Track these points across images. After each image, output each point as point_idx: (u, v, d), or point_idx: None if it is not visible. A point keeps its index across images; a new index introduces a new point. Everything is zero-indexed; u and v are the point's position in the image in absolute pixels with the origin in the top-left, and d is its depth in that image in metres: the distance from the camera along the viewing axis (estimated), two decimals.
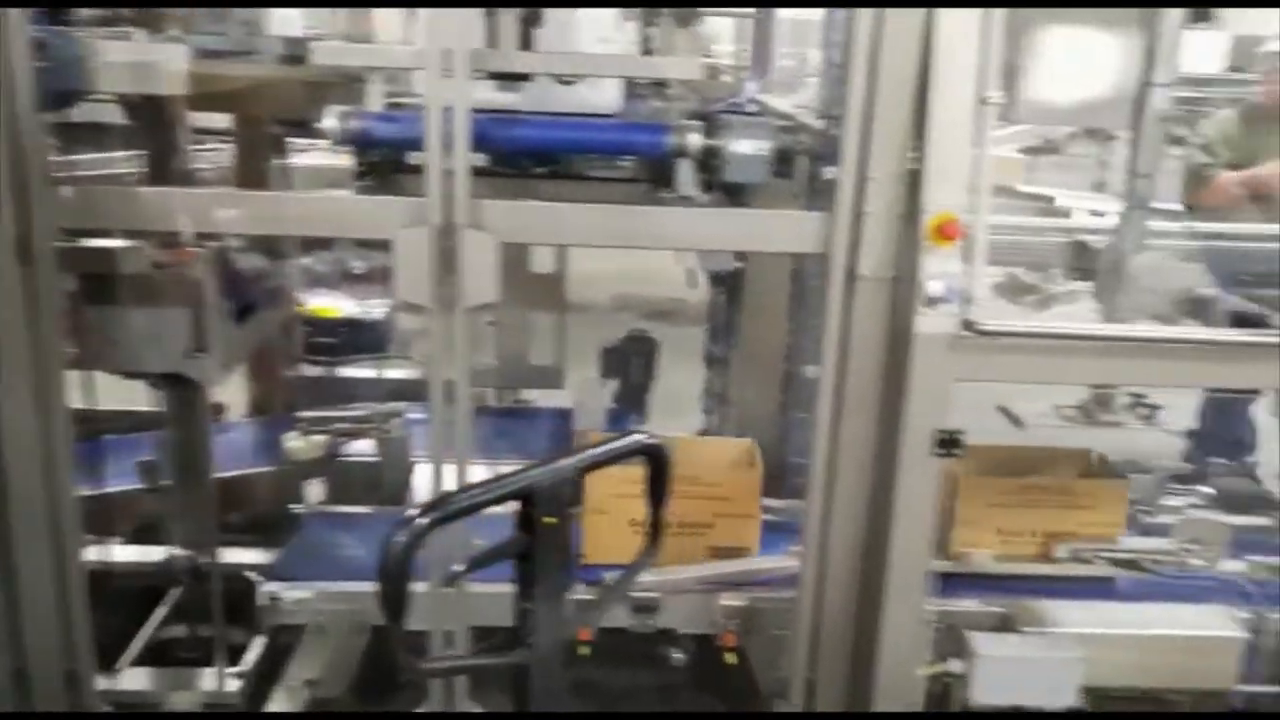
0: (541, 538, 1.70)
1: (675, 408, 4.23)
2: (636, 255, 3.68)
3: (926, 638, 2.75)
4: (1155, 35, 2.62)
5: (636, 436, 1.75)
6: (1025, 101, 2.63)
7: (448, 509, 1.71)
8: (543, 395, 4.02)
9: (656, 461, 1.78)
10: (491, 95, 2.63)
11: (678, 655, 3.06)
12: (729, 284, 3.40)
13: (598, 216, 2.54)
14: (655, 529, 1.84)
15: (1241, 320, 2.61)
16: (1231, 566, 3.09)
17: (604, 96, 2.63)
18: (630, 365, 3.61)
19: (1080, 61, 2.61)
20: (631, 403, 3.66)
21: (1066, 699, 2.75)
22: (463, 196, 2.42)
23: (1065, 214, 5.87)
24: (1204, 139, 4.53)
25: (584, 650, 2.84)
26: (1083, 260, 3.15)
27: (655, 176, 2.78)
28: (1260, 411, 4.50)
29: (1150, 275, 2.78)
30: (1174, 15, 2.62)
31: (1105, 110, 2.68)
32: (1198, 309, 2.73)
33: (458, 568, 1.97)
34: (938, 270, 2.40)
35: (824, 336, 2.56)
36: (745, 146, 2.45)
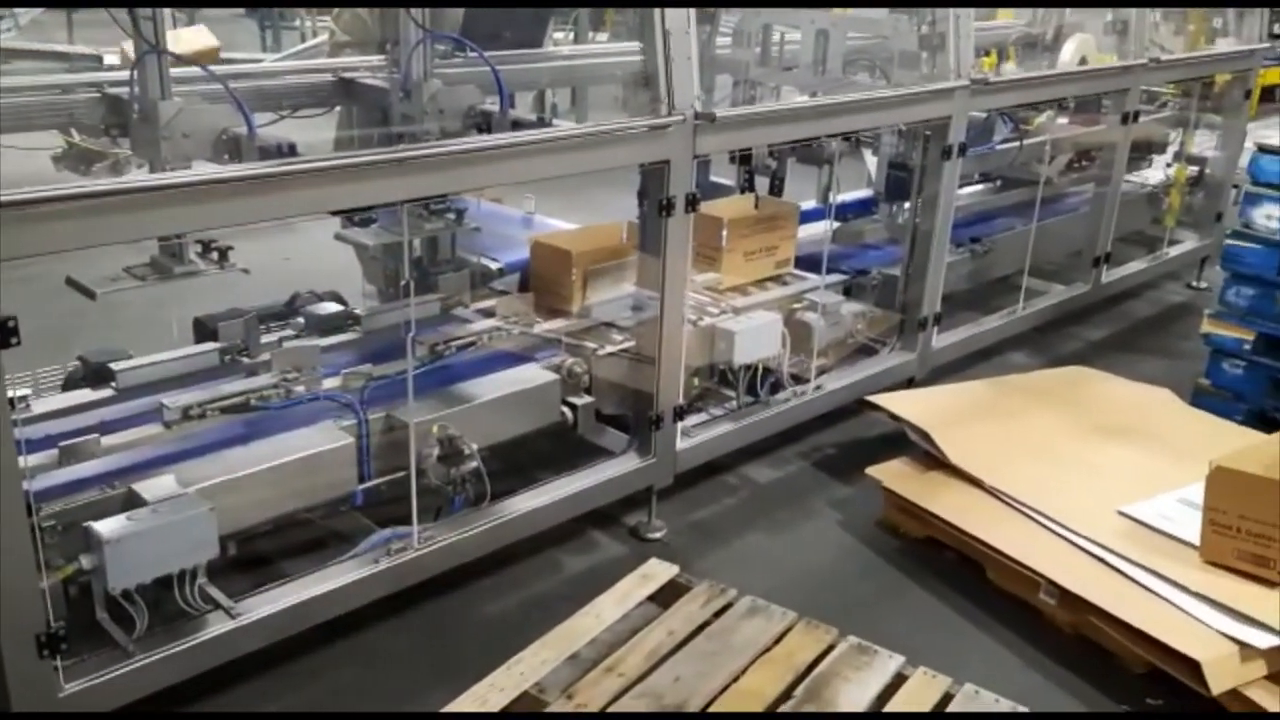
0: None
1: None
2: None
3: (45, 544, 2.52)
4: None
5: None
6: None
7: None
8: None
9: None
10: None
11: None
12: None
13: None
14: None
15: (273, 153, 2.71)
16: (330, 383, 3.34)
17: None
18: None
19: None
20: None
21: (208, 553, 2.77)
22: None
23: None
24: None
25: None
26: (121, 115, 3.00)
27: None
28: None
29: (182, 121, 2.75)
30: None
31: None
32: (236, 148, 2.78)
33: None
34: None
35: None
36: None
